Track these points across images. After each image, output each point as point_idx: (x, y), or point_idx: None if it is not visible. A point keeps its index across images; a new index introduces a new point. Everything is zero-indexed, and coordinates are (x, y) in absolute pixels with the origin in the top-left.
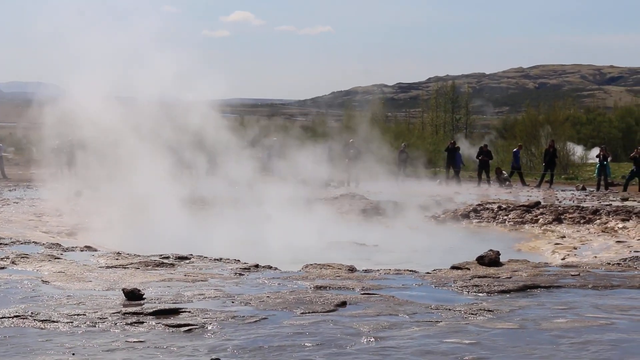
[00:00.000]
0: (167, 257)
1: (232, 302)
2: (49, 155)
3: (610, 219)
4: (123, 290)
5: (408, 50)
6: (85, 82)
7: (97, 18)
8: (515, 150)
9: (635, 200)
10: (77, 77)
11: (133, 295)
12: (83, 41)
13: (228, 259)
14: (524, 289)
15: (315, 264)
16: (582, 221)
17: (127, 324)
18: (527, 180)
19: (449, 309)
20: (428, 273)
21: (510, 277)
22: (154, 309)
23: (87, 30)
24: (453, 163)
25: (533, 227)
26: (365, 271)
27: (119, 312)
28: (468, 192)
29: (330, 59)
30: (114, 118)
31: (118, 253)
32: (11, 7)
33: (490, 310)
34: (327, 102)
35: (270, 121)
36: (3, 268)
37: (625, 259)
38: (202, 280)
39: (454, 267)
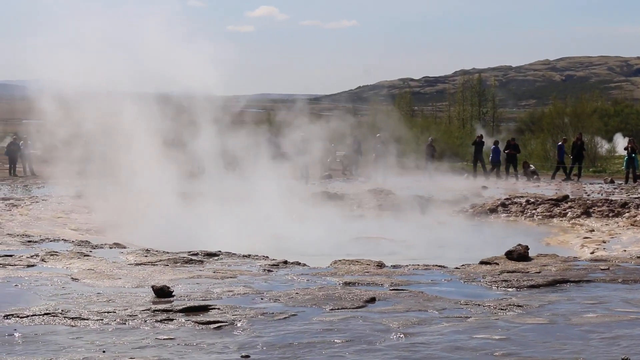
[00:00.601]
0: (196, 254)
1: (262, 299)
2: (75, 152)
3: None
4: (152, 287)
5: (434, 43)
6: (104, 78)
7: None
8: (559, 144)
9: None
10: (95, 72)
11: (162, 293)
12: (103, 36)
13: (257, 256)
14: (554, 283)
15: (344, 259)
16: (610, 214)
17: (156, 321)
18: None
19: (479, 305)
20: (457, 268)
21: (539, 272)
22: (184, 306)
23: (107, 23)
24: (490, 156)
25: (562, 221)
26: (394, 267)
27: (148, 310)
28: (496, 186)
29: (356, 53)
30: (140, 114)
31: (147, 250)
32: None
33: (520, 306)
34: (353, 96)
35: (299, 116)
36: (33, 265)
37: None
38: (231, 277)
39: (482, 262)
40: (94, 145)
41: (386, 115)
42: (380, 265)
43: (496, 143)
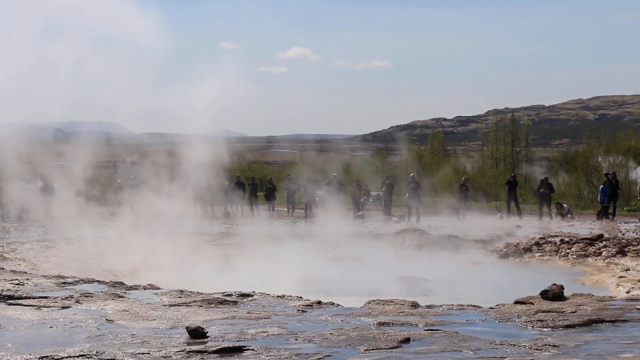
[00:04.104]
0: (230, 295)
1: (296, 340)
2: (111, 193)
3: None
4: (187, 328)
5: (467, 82)
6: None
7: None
8: (602, 186)
9: None
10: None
11: (197, 334)
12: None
13: (290, 296)
14: (589, 323)
15: (378, 299)
16: None
17: None
18: (588, 212)
19: (514, 345)
20: (491, 308)
21: (574, 312)
22: (218, 347)
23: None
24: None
25: (596, 260)
26: (428, 307)
27: (183, 351)
28: (530, 226)
29: (388, 94)
30: (175, 155)
31: (181, 291)
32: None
33: (556, 346)
34: (386, 136)
35: (329, 157)
36: (68, 307)
37: None
38: (265, 318)
39: (517, 302)
40: (128, 188)
41: (419, 155)
42: (415, 305)
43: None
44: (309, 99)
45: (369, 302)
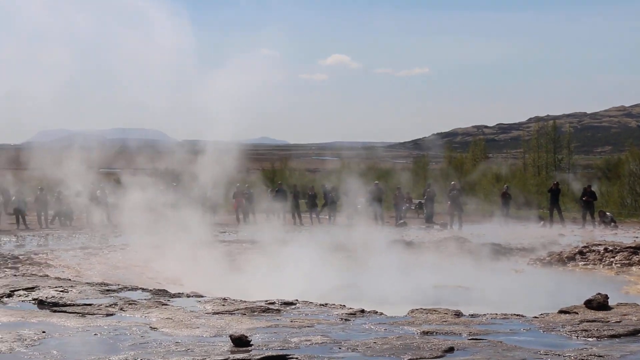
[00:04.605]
0: (273, 303)
1: (339, 349)
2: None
3: None
4: (230, 336)
5: (508, 90)
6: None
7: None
8: None
9: None
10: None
11: (240, 342)
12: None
13: (334, 304)
14: (635, 333)
15: (422, 308)
16: None
17: None
18: (631, 220)
19: (558, 355)
20: (535, 317)
21: (619, 321)
22: (262, 356)
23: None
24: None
25: None
26: (472, 316)
27: (227, 359)
28: (573, 234)
29: (429, 101)
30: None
31: (224, 299)
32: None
33: (601, 356)
34: (427, 144)
35: (371, 165)
36: (112, 315)
37: None
38: (308, 326)
39: (561, 311)
40: (169, 195)
41: (460, 163)
42: (458, 314)
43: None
44: (350, 106)
45: (413, 311)
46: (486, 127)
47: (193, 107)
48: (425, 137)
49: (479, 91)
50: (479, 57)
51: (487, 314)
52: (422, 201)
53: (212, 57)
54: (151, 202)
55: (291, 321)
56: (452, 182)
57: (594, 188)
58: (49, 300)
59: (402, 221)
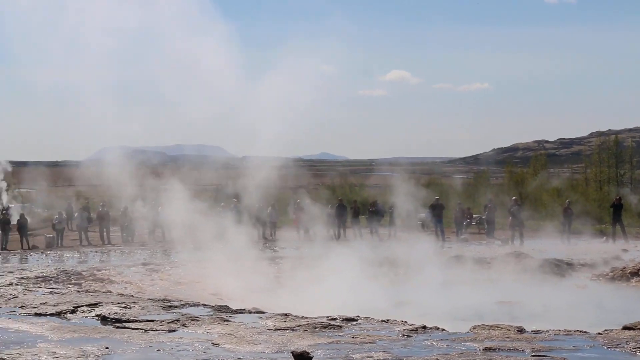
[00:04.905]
0: (334, 319)
1: None
2: (219, 216)
3: None
4: (292, 352)
5: (569, 104)
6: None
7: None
8: None
9: None
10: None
11: (302, 358)
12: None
13: (395, 321)
14: None
15: (484, 324)
16: None
17: None
18: None
19: None
20: (599, 334)
21: None
22: None
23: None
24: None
25: None
26: (535, 332)
27: None
28: (636, 249)
29: (489, 116)
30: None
31: (285, 315)
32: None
33: None
34: (488, 159)
35: (431, 180)
36: (174, 331)
37: None
38: (370, 342)
39: (625, 328)
40: (230, 211)
41: (521, 178)
42: (521, 330)
43: None
44: (409, 122)
45: (475, 327)
46: (547, 141)
47: (252, 123)
48: (485, 152)
49: (539, 106)
50: (539, 72)
51: (550, 330)
52: (483, 216)
53: (270, 73)
54: (212, 218)
55: (353, 337)
56: (513, 198)
57: None
58: (111, 316)
59: (462, 237)
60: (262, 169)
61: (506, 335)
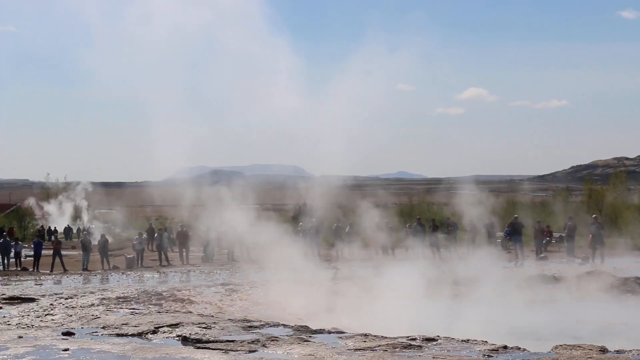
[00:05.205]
0: (414, 339)
1: None
2: (295, 235)
3: None
4: None
5: None
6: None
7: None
8: None
9: None
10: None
11: None
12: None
13: (475, 340)
14: None
15: (565, 344)
16: None
17: None
18: None
19: None
20: None
21: None
22: None
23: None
24: None
25: None
26: (618, 352)
27: None
28: None
29: (567, 133)
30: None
31: (365, 335)
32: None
33: None
34: (566, 176)
35: (509, 198)
36: (254, 351)
37: None
38: None
39: None
40: (309, 230)
41: (601, 196)
42: (603, 350)
43: None
44: (487, 140)
45: (556, 347)
46: (627, 158)
47: (328, 142)
48: (564, 170)
49: (618, 122)
50: (618, 87)
51: (633, 349)
52: (563, 235)
53: (346, 92)
54: (290, 238)
55: (433, 357)
56: (593, 215)
57: None
58: (192, 336)
59: (542, 255)
60: (339, 187)
61: (588, 355)
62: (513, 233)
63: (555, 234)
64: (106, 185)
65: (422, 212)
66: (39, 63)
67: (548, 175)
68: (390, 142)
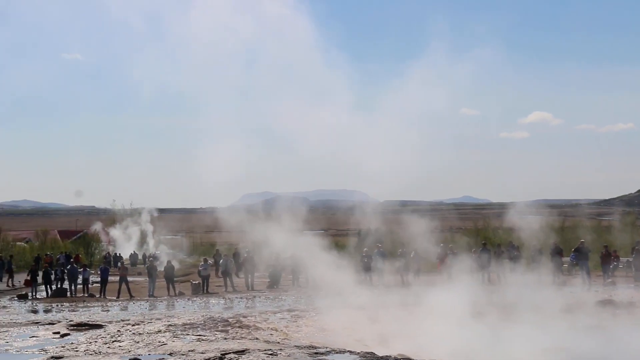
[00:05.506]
0: None
1: None
2: (357, 261)
3: None
4: None
5: None
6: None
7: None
8: None
9: None
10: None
11: None
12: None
13: None
14: None
15: None
16: None
17: None
18: None
19: None
20: None
21: None
22: None
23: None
24: None
25: None
26: None
27: None
28: None
29: (633, 156)
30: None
31: None
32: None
33: None
34: (633, 200)
35: (576, 222)
36: None
37: None
38: None
39: None
40: (375, 256)
41: None
42: None
43: None
44: (552, 163)
45: None
46: None
47: (391, 167)
48: (631, 193)
49: None
50: None
51: None
52: (631, 259)
53: (409, 117)
54: (355, 263)
55: None
56: None
57: None
58: None
59: (610, 280)
60: (402, 212)
61: None
62: (579, 258)
63: (623, 259)
64: (171, 211)
65: (487, 236)
66: (103, 89)
67: (614, 199)
68: (454, 166)
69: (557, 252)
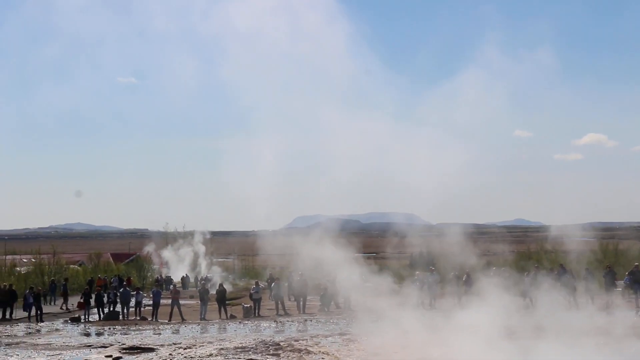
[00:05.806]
0: None
1: None
2: (409, 284)
3: None
4: None
5: None
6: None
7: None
8: None
9: None
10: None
11: None
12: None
13: None
14: None
15: None
16: None
17: None
18: None
19: None
20: None
21: None
22: None
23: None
24: None
25: None
26: None
27: None
28: None
29: None
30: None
31: None
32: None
33: None
34: None
35: (627, 246)
36: None
37: None
38: None
39: None
40: (427, 279)
41: None
42: None
43: None
44: (607, 186)
45: None
46: None
47: (442, 189)
48: None
49: None
50: None
51: None
52: None
53: (461, 139)
54: (407, 286)
55: None
56: None
57: None
58: None
59: None
60: (455, 235)
61: None
62: (634, 281)
63: None
64: (223, 234)
65: (539, 260)
66: (155, 115)
67: None
68: (507, 189)
69: (611, 275)
